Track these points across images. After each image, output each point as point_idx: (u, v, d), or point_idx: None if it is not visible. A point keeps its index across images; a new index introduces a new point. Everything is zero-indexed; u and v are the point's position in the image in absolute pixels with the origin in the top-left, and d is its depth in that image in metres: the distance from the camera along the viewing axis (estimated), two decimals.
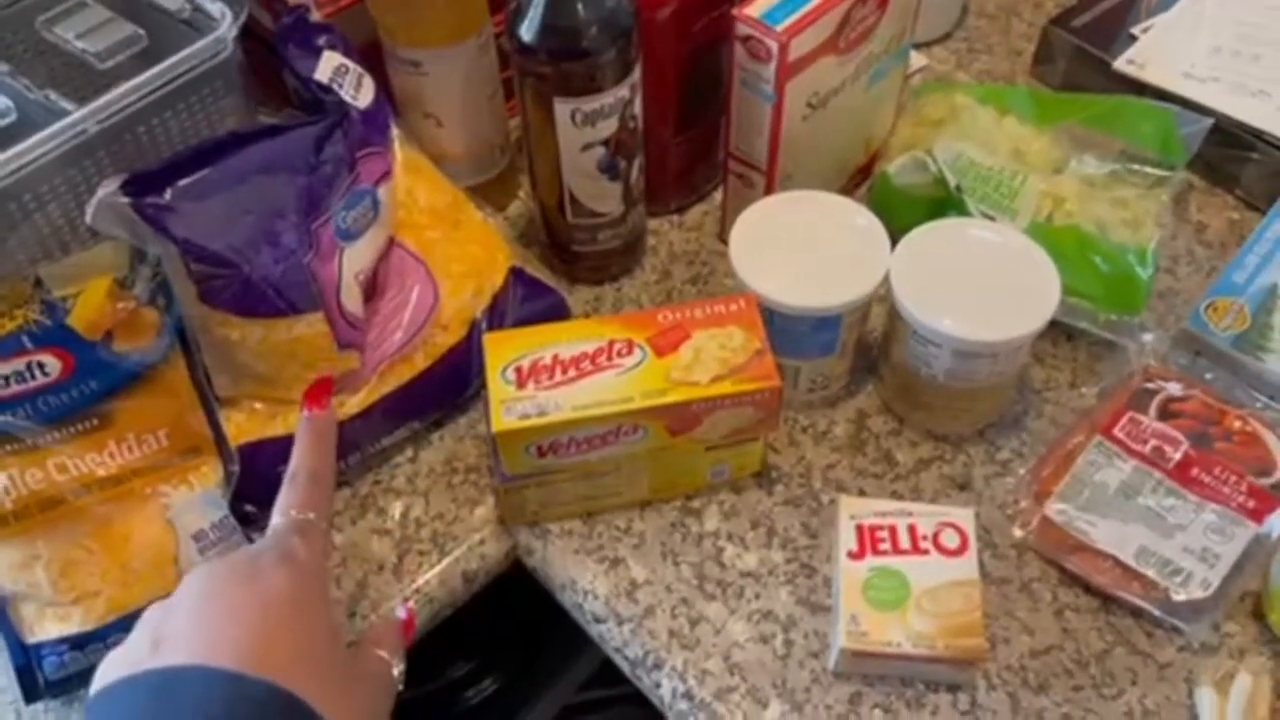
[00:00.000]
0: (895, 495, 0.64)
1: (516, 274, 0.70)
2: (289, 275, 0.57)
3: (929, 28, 0.91)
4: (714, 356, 0.58)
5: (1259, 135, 0.75)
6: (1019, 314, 0.60)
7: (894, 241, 0.63)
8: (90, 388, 0.55)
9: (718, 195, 0.80)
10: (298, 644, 0.42)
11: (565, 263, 0.75)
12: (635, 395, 0.57)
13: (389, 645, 0.51)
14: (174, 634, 0.42)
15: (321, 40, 0.64)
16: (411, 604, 0.60)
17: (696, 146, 0.75)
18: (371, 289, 0.65)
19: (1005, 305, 0.60)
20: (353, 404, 0.63)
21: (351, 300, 0.61)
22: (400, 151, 0.69)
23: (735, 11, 0.62)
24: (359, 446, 0.64)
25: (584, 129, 0.64)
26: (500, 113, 0.75)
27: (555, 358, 0.58)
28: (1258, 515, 0.58)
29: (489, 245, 0.70)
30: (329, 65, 0.64)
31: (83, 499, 0.55)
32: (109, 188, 0.52)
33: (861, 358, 0.69)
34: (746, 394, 0.57)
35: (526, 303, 0.69)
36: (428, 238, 0.68)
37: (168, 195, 0.53)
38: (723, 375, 0.58)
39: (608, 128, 0.64)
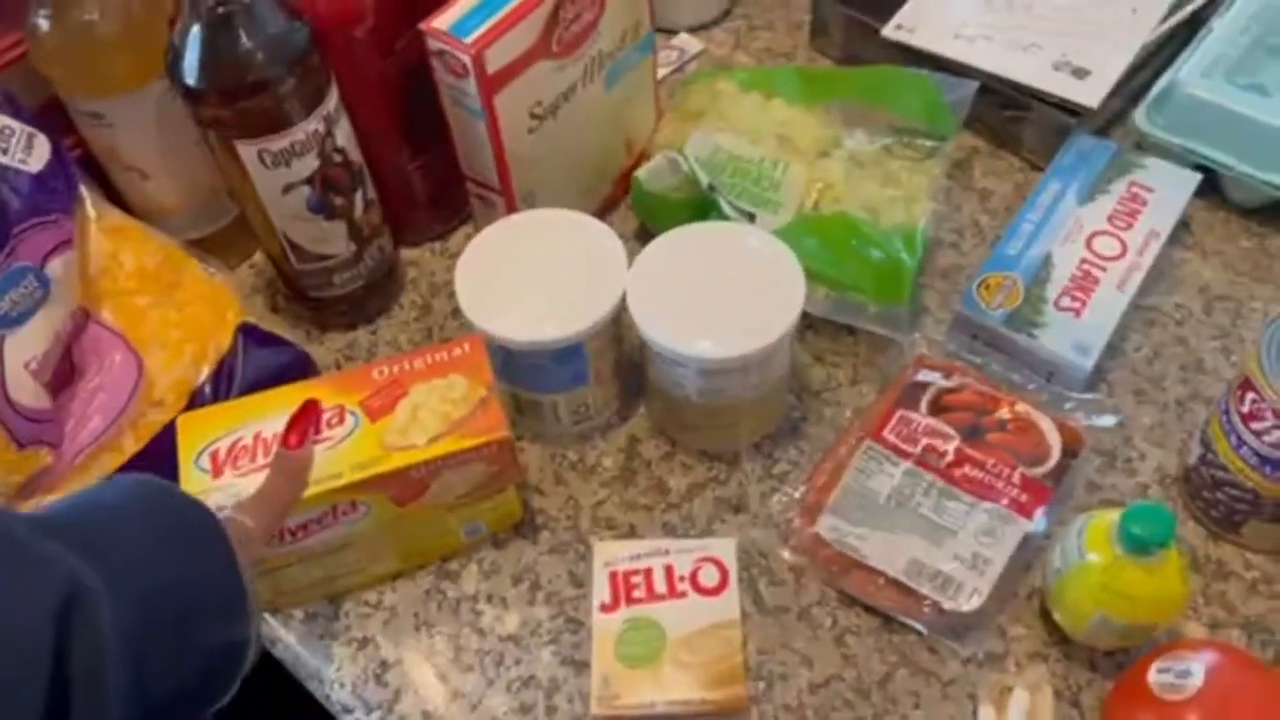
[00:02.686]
0: (666, 527, 0.59)
1: (247, 331, 0.64)
2: None
3: (702, 8, 0.86)
4: (434, 412, 0.53)
5: (1031, 93, 0.72)
6: (763, 322, 0.55)
7: None
8: None
9: None
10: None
11: (311, 309, 0.69)
12: (344, 470, 0.51)
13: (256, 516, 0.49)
14: None
15: None
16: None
17: (442, 168, 0.69)
18: (68, 374, 0.58)
19: (749, 314, 0.55)
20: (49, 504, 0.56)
21: (24, 392, 0.54)
22: (97, 214, 0.62)
23: (423, 25, 0.56)
24: None
25: (278, 170, 0.58)
26: None
27: (257, 436, 0.52)
28: (1028, 510, 0.55)
29: (216, 303, 0.64)
30: None
31: None
32: None
33: (632, 379, 0.64)
34: (471, 450, 0.52)
35: (260, 361, 0.63)
36: (135, 305, 0.62)
37: None
38: (442, 433, 0.52)
39: (307, 165, 0.58)
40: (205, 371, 0.61)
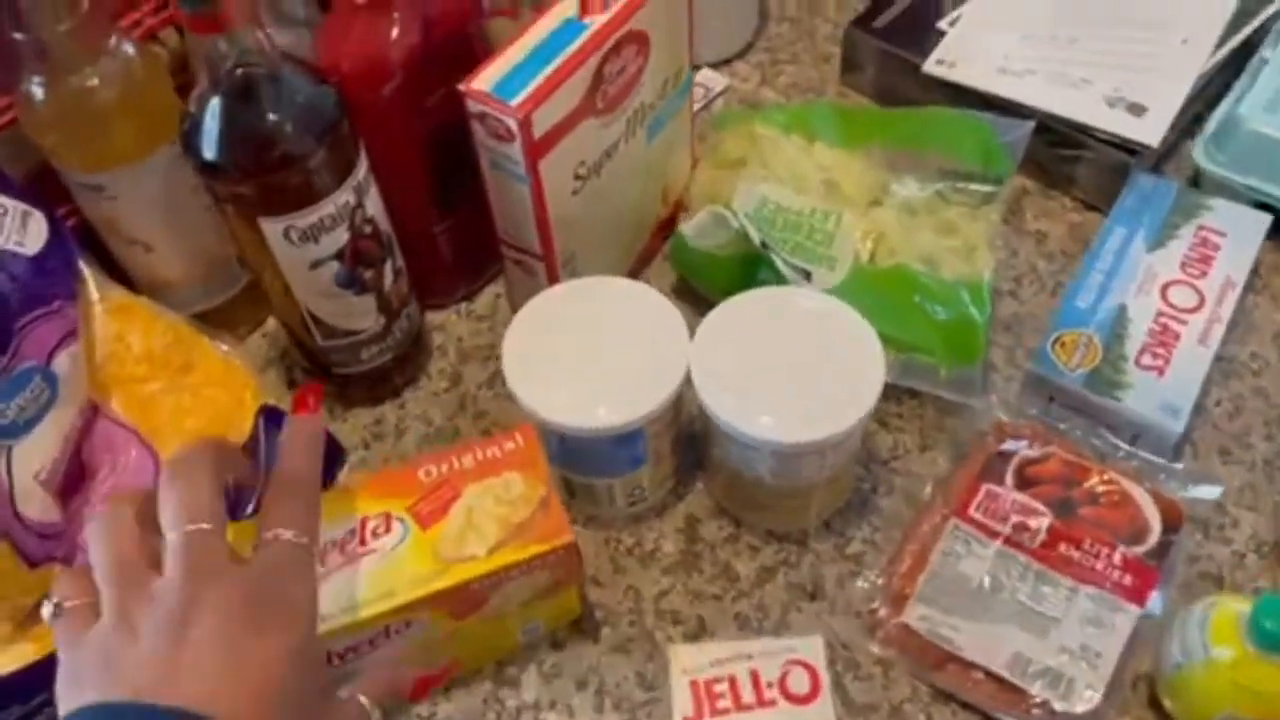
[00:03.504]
0: (738, 619, 0.55)
1: (268, 414, 0.58)
2: None
3: (725, 43, 0.82)
4: (491, 516, 0.48)
5: (1087, 131, 0.68)
6: (842, 401, 0.51)
7: (703, 304, 0.54)
8: None
9: None
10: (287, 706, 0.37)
11: (334, 386, 0.63)
12: (398, 588, 0.46)
13: (375, 695, 0.42)
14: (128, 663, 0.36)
15: None
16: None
17: (469, 228, 0.65)
18: (78, 477, 0.53)
19: (825, 392, 0.51)
20: None
21: (35, 507, 0.49)
22: (100, 295, 0.57)
23: (463, 87, 0.52)
24: None
25: (304, 246, 0.53)
26: None
27: None
28: (1137, 594, 0.51)
29: (232, 385, 0.59)
30: None
31: None
32: None
33: (689, 454, 0.60)
34: (535, 558, 0.48)
35: None
36: (145, 393, 0.56)
37: None
38: (503, 541, 0.48)
39: (336, 240, 0.53)
40: None
